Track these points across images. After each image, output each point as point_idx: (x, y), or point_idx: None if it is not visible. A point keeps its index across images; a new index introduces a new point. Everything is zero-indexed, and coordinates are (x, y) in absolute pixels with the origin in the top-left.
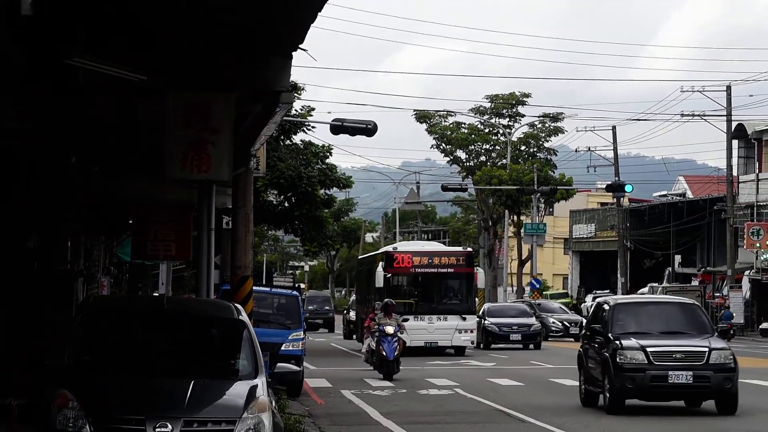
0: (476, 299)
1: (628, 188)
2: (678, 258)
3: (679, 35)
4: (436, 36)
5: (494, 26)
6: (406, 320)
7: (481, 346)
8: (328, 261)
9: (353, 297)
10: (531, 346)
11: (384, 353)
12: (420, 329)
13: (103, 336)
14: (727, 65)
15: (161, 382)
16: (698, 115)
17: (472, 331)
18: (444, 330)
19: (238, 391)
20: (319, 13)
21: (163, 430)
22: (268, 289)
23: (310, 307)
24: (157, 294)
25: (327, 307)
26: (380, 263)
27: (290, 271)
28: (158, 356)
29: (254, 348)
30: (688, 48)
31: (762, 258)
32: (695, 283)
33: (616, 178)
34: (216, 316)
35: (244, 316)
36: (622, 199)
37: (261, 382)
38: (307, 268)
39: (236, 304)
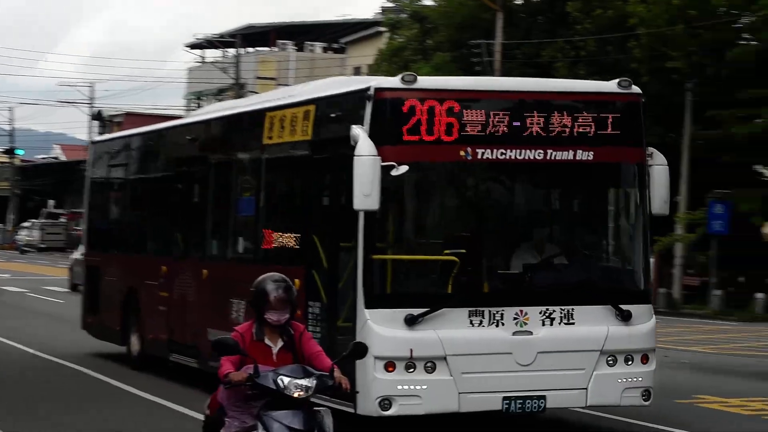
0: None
1: (19, 152)
2: (52, 202)
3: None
4: None
5: None
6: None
7: None
8: None
9: (84, 226)
10: None
11: None
12: (497, 344)
13: None
14: (94, 69)
15: None
16: (72, 102)
17: (649, 364)
18: (568, 359)
19: None
20: None
21: None
22: None
23: None
24: None
25: None
26: (357, 131)
27: None
28: None
29: None
30: (77, 56)
31: None
32: (63, 219)
33: (12, 145)
34: None
35: None
36: (15, 159)
37: None
38: None
39: None
